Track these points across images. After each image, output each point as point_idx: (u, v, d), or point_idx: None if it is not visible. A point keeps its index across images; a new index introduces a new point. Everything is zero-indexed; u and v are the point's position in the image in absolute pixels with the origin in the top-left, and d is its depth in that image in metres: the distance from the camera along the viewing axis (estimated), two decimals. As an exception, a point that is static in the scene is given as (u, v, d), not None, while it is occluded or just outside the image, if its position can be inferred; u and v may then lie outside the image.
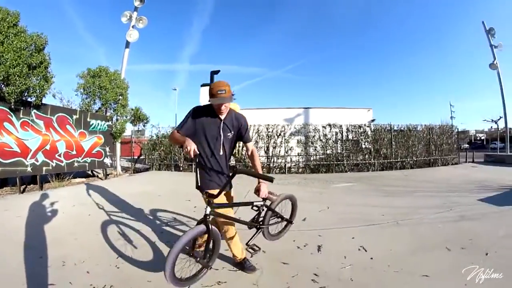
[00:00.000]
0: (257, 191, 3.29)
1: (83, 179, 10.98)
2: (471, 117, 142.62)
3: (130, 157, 18.50)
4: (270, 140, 15.57)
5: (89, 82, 12.15)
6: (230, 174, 2.99)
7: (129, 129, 15.97)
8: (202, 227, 2.77)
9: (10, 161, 7.83)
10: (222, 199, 3.13)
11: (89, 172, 12.25)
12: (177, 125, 3.22)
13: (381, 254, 3.82)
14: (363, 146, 16.29)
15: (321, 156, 15.67)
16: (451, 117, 41.17)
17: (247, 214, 3.73)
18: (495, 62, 22.28)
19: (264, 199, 3.41)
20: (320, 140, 15.68)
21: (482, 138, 69.04)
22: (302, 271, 3.24)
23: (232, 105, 11.78)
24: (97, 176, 12.10)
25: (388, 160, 16.07)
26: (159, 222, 5.36)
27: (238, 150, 15.10)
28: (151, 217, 5.63)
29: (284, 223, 3.91)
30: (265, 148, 15.49)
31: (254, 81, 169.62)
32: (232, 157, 14.71)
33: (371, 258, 3.56)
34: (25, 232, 4.55)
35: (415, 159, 16.62)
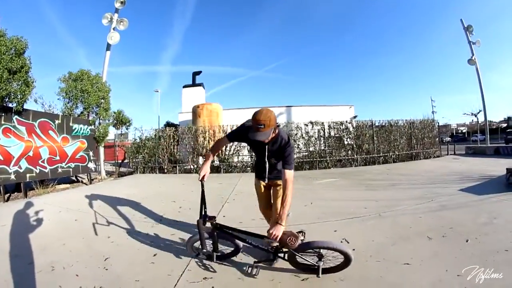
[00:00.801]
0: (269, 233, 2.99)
1: (68, 185, 10.86)
2: (453, 111, 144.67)
3: (114, 161, 18.20)
4: (253, 139, 15.39)
5: (71, 86, 12.04)
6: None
7: (112, 132, 15.87)
8: None
9: (-7, 169, 7.69)
10: None
11: (73, 178, 12.08)
12: (226, 135, 3.63)
13: (363, 245, 3.94)
14: (346, 142, 16.46)
15: (304, 153, 15.76)
16: (433, 112, 42.11)
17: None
18: (473, 58, 23.13)
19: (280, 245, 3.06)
20: (303, 137, 15.74)
21: (464, 131, 70.17)
22: (286, 264, 3.30)
23: (215, 105, 12.12)
24: (82, 182, 11.95)
25: (371, 155, 16.31)
26: (146, 223, 5.38)
27: (222, 151, 15.19)
28: (138, 220, 5.65)
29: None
30: (248, 147, 15.28)
31: (237, 81, 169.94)
32: (216, 157, 14.82)
33: (353, 249, 3.63)
34: (12, 241, 4.53)
35: (398, 153, 16.94)
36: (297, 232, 3.02)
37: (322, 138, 16.14)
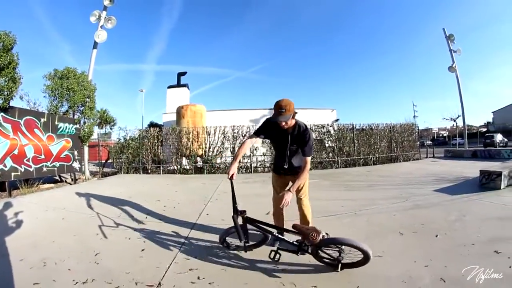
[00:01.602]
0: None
1: (52, 185, 10.84)
2: (434, 115, 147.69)
3: (97, 161, 17.97)
4: (236, 140, 15.68)
5: (57, 84, 11.99)
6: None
7: (95, 132, 15.76)
8: None
9: (-22, 168, 7.62)
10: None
11: (57, 178, 12.00)
12: (251, 134, 4.02)
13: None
14: (327, 145, 16.78)
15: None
16: (414, 116, 43.00)
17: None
18: (453, 66, 23.82)
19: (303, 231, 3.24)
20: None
21: (445, 135, 71.31)
22: (264, 256, 3.57)
23: (199, 106, 12.35)
24: (66, 181, 11.90)
25: (351, 158, 16.67)
26: (133, 221, 5.52)
27: (205, 152, 15.40)
28: (124, 218, 5.78)
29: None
30: (231, 149, 15.63)
31: (222, 82, 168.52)
32: (199, 158, 14.94)
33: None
34: (0, 239, 4.58)
35: (378, 156, 17.39)
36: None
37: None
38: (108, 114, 15.50)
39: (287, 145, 3.76)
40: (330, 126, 17.27)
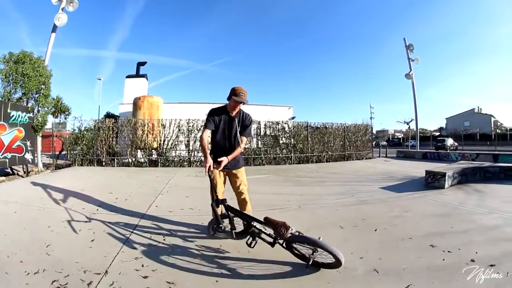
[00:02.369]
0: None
1: (3, 178, 10.28)
2: (391, 118, 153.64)
3: (51, 153, 17.23)
4: (191, 134, 15.73)
5: (11, 68, 11.49)
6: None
7: (50, 121, 15.15)
8: None
9: None
10: None
11: (8, 170, 11.39)
12: (204, 128, 4.24)
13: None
14: (281, 141, 17.11)
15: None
16: (371, 118, 44.27)
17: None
18: (410, 73, 24.97)
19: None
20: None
21: (400, 136, 73.34)
22: (208, 248, 3.81)
23: (156, 98, 12.42)
24: (17, 174, 11.41)
25: (305, 154, 17.11)
26: (84, 213, 5.53)
27: (160, 144, 15.36)
28: (76, 210, 5.77)
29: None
30: (186, 142, 15.87)
31: (182, 74, 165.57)
32: (154, 151, 14.85)
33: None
34: None
35: (331, 154, 17.94)
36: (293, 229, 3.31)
37: (257, 136, 16.70)
38: (62, 102, 14.93)
39: (236, 129, 4.17)
40: (285, 123, 17.63)
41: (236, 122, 4.18)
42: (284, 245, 3.40)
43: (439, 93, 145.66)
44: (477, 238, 4.18)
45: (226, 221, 3.83)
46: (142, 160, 15.24)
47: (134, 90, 21.80)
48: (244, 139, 4.29)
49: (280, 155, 16.66)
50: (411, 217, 5.31)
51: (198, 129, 15.52)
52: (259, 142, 16.79)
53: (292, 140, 17.33)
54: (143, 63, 24.67)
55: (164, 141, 15.51)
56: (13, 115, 10.61)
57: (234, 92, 3.95)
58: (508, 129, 59.38)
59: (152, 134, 15.30)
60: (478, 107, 73.58)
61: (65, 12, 14.27)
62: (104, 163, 14.94)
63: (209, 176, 3.91)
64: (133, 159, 15.16)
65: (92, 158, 14.90)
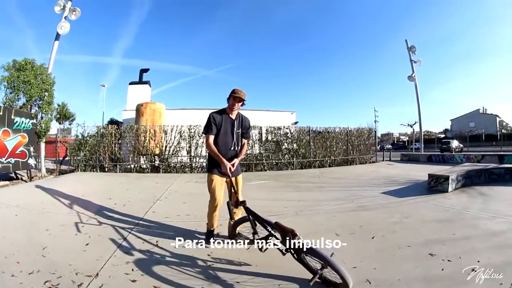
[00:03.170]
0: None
1: (7, 182, 10.41)
2: (395, 121, 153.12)
3: (55, 158, 17.01)
4: (192, 140, 15.71)
5: (13, 75, 11.60)
6: None
7: (54, 127, 15.17)
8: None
9: None
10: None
11: (12, 175, 11.52)
12: (205, 132, 4.18)
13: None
14: (283, 146, 17.05)
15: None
16: (375, 121, 44.91)
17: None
18: (413, 75, 24.91)
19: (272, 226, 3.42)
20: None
21: (404, 139, 73.24)
22: (198, 255, 3.78)
23: (158, 104, 12.32)
24: (21, 179, 11.49)
25: (307, 159, 17.01)
26: (81, 218, 5.60)
27: (161, 150, 15.35)
28: (74, 215, 5.84)
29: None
30: (187, 148, 15.81)
31: (186, 80, 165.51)
32: (156, 157, 14.80)
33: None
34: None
35: (333, 158, 17.80)
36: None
37: (259, 141, 16.64)
38: (67, 109, 14.97)
39: (235, 130, 4.19)
40: (287, 128, 17.53)
41: (237, 124, 4.21)
42: (294, 255, 3.25)
43: (443, 94, 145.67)
44: (479, 245, 4.04)
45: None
46: (144, 166, 15.25)
47: (137, 96, 21.85)
48: (245, 141, 4.38)
49: (282, 160, 16.57)
50: (411, 223, 5.21)
51: (200, 135, 15.42)
52: (261, 148, 16.71)
53: (295, 145, 17.23)
54: (146, 70, 24.79)
55: (166, 147, 15.50)
56: (16, 121, 10.70)
57: (232, 92, 3.99)
58: None
59: (154, 141, 15.30)
60: (483, 107, 73.72)
61: (67, 21, 14.43)
62: (106, 169, 14.96)
63: (230, 178, 3.97)
64: (135, 165, 15.19)
65: (95, 164, 14.92)
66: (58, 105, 13.63)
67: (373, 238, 4.40)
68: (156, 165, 15.22)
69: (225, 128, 4.14)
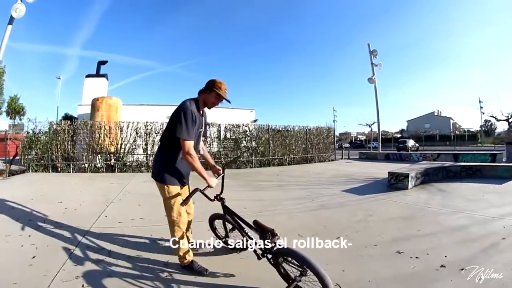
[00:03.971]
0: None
1: None
2: (354, 121, 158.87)
3: (4, 158, 16.19)
4: (149, 138, 15.19)
5: None
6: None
7: (5, 123, 14.22)
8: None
9: None
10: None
11: None
12: (189, 135, 3.15)
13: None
14: (242, 144, 16.97)
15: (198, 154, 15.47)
16: (334, 121, 46.11)
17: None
18: (373, 77, 25.78)
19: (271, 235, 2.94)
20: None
21: (362, 139, 75.32)
22: (155, 265, 3.55)
23: (115, 99, 11.69)
24: None
25: (266, 158, 17.01)
26: (28, 226, 5.15)
27: (117, 148, 14.84)
28: (21, 223, 5.35)
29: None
30: (144, 146, 15.31)
31: (147, 75, 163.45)
32: (111, 155, 14.23)
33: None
34: None
35: (293, 157, 17.98)
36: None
37: (217, 139, 16.46)
38: (18, 102, 13.95)
39: (202, 130, 3.54)
40: (245, 126, 17.47)
41: (204, 122, 3.54)
42: (271, 260, 2.95)
43: (400, 96, 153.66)
44: (444, 241, 4.16)
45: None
46: (99, 165, 14.64)
47: (93, 90, 20.61)
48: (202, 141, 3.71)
49: (241, 158, 16.44)
50: (375, 222, 5.18)
51: (157, 132, 15.01)
52: (220, 146, 16.54)
53: (253, 143, 17.23)
54: (104, 62, 23.63)
55: (121, 145, 14.94)
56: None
57: (218, 86, 3.26)
58: (465, 130, 63.66)
59: (109, 138, 14.70)
60: (438, 110, 77.87)
61: (24, 3, 13.37)
62: (59, 169, 14.14)
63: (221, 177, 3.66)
64: (90, 165, 14.49)
65: (47, 164, 14.11)
66: (11, 97, 12.55)
67: (338, 238, 4.14)
68: (112, 164, 14.67)
69: (198, 127, 3.35)
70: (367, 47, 26.86)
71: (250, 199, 7.22)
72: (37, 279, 3.17)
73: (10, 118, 14.42)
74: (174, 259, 3.54)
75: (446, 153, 19.22)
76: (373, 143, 40.90)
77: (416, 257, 3.52)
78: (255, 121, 22.80)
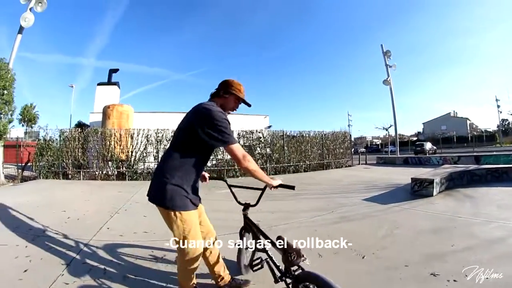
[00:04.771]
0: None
1: None
2: (368, 125, 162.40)
3: (16, 164, 16.07)
4: (160, 145, 14.95)
5: None
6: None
7: (17, 129, 14.23)
8: None
9: None
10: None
11: None
12: (233, 139, 2.49)
13: (234, 264, 3.49)
14: (256, 151, 16.60)
15: (212, 162, 15.42)
16: (349, 125, 45.82)
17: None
18: (388, 79, 25.19)
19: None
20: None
21: (378, 143, 74.70)
22: (153, 285, 3.23)
23: (126, 107, 11.15)
24: None
25: (281, 165, 16.58)
26: (27, 236, 4.91)
27: (127, 156, 14.58)
28: (20, 231, 5.17)
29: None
30: (155, 154, 15.07)
31: (160, 83, 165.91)
32: (121, 163, 13.90)
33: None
34: None
35: (309, 163, 17.47)
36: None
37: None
38: (32, 111, 14.01)
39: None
40: (260, 132, 17.14)
41: None
42: (290, 285, 2.40)
43: (414, 99, 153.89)
44: (484, 257, 3.61)
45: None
46: (110, 173, 14.44)
47: (105, 98, 20.69)
48: None
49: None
50: (403, 236, 4.66)
51: (168, 139, 14.76)
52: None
53: (268, 149, 16.88)
54: (115, 70, 23.64)
55: (132, 152, 14.75)
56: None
57: (237, 88, 2.71)
58: (483, 130, 62.44)
59: (120, 145, 14.56)
60: (454, 111, 76.76)
61: (32, 13, 13.68)
62: (70, 176, 14.07)
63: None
64: (100, 172, 14.29)
65: (57, 171, 14.01)
66: (28, 106, 12.62)
67: (363, 257, 3.76)
68: (122, 172, 14.42)
69: None
70: (380, 48, 26.41)
71: (263, 210, 6.22)
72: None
73: (22, 126, 14.54)
74: (174, 281, 3.16)
75: (467, 156, 18.90)
76: (390, 147, 40.26)
77: (454, 280, 3.04)
78: (269, 127, 22.48)
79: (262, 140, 16.84)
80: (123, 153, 14.59)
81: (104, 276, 3.42)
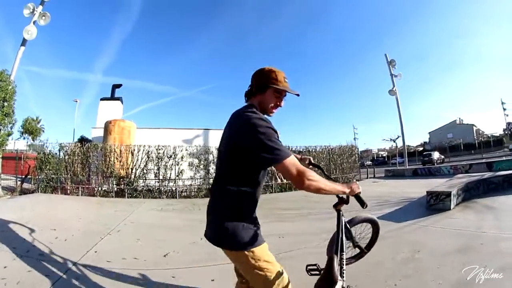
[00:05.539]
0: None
1: None
2: (373, 137, 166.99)
3: (16, 176, 15.68)
4: (161, 162, 14.74)
5: None
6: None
7: (15, 142, 14.01)
8: None
9: None
10: None
11: None
12: (284, 153, 1.73)
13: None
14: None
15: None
16: (354, 138, 45.61)
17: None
18: (394, 89, 25.15)
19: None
20: (213, 162, 15.08)
21: (384, 155, 74.89)
22: None
23: (128, 122, 10.60)
24: None
25: (287, 181, 15.95)
26: (8, 257, 4.57)
27: (127, 172, 14.31)
28: (4, 250, 4.87)
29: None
30: (155, 171, 14.75)
31: (167, 100, 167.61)
32: (121, 180, 13.55)
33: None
34: None
35: (316, 179, 16.96)
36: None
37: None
38: (31, 123, 13.80)
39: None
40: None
41: None
42: None
43: (417, 108, 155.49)
44: None
45: None
46: (109, 189, 14.08)
47: (108, 113, 20.60)
48: None
49: None
50: (426, 260, 4.05)
51: (169, 156, 14.63)
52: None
53: (273, 166, 16.10)
54: (118, 86, 23.63)
55: (132, 169, 14.45)
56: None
57: (274, 77, 1.98)
58: (489, 135, 62.63)
59: (120, 162, 14.29)
60: (459, 118, 77.51)
61: (36, 26, 13.89)
62: (68, 191, 13.68)
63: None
64: (99, 188, 13.92)
65: (56, 186, 13.63)
66: (33, 120, 12.48)
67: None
68: (122, 188, 14.05)
69: None
70: (384, 58, 26.45)
71: (271, 233, 5.31)
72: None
73: (24, 139, 14.26)
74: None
75: (478, 163, 18.71)
76: (398, 159, 39.80)
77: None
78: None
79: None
80: (123, 169, 14.32)
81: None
